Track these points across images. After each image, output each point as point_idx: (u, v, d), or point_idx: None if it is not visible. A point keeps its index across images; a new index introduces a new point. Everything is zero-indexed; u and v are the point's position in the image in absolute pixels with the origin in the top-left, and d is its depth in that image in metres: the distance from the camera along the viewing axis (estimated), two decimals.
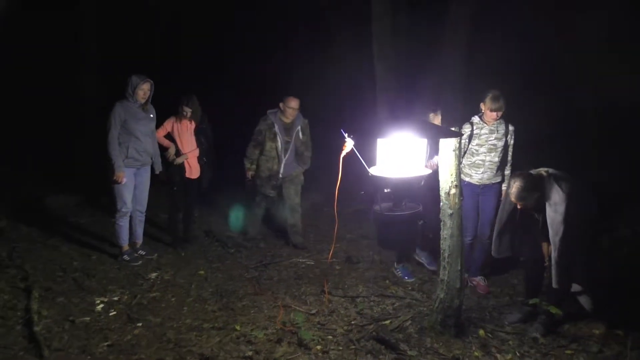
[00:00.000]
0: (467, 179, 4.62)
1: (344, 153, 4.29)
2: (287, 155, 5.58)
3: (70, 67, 8.55)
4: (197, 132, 5.46)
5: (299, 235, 5.82)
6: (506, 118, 4.57)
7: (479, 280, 4.77)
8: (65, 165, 7.90)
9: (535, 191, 3.66)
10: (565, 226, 3.61)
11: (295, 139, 5.59)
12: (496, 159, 4.55)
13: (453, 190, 3.62)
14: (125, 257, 5.17)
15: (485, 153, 4.53)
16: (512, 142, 4.60)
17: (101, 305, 4.27)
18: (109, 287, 4.64)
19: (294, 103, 5.44)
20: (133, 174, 5.04)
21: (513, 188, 3.70)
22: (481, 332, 3.84)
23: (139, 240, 5.34)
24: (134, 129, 4.92)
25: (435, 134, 3.36)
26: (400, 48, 6.67)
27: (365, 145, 3.13)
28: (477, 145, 4.52)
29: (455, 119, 3.62)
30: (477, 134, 4.51)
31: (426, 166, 3.25)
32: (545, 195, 3.67)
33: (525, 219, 3.88)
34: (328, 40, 8.56)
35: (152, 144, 5.12)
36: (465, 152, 4.57)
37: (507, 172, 4.65)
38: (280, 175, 5.62)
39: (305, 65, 8.63)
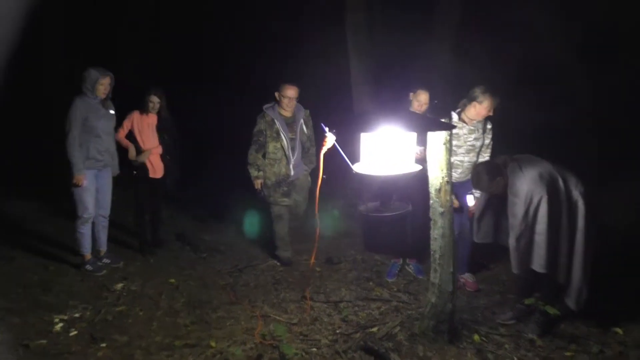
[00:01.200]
0: None
1: (324, 149, 4.00)
2: (295, 154, 4.85)
3: (29, 62, 8.00)
4: (160, 128, 5.04)
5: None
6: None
7: (466, 278, 4.54)
8: (26, 167, 7.36)
9: (496, 177, 3.58)
10: (524, 211, 3.46)
11: (300, 134, 4.88)
12: (474, 159, 4.29)
13: (444, 187, 3.35)
14: (88, 267, 4.76)
15: (463, 154, 4.26)
16: (487, 140, 4.31)
17: (60, 324, 3.87)
18: (70, 302, 4.23)
19: (291, 91, 4.72)
20: (94, 176, 4.65)
21: (475, 177, 3.66)
22: (475, 337, 3.59)
23: (103, 248, 4.94)
24: (95, 127, 4.53)
25: (424, 126, 3.07)
26: (379, 38, 6.43)
27: (348, 140, 2.85)
28: (455, 146, 4.19)
29: (446, 109, 3.33)
30: (455, 133, 4.17)
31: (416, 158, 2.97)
32: (508, 182, 3.57)
33: (506, 207, 3.69)
34: (305, 32, 8.24)
35: (112, 143, 4.73)
36: None
37: None
38: (291, 179, 4.89)
39: (283, 58, 8.31)
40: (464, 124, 4.19)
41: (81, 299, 4.28)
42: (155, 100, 4.94)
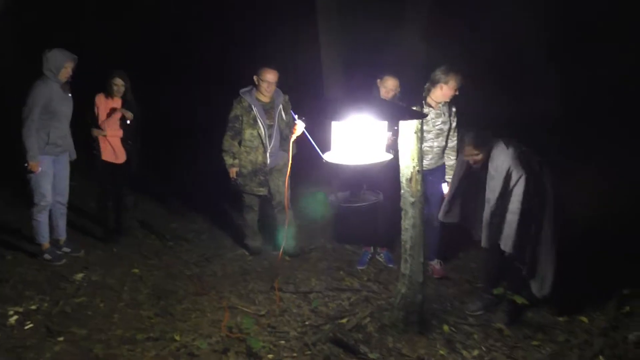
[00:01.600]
0: None
1: (294, 137, 3.90)
2: (272, 142, 4.56)
3: None
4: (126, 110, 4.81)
5: (294, 241, 4.88)
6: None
7: (434, 264, 4.52)
8: None
9: (486, 144, 3.57)
10: (502, 186, 3.47)
11: (279, 121, 4.58)
12: (443, 144, 4.28)
13: (415, 177, 3.29)
14: (47, 256, 4.55)
15: (432, 139, 4.22)
16: (454, 124, 4.29)
17: (15, 317, 3.68)
18: (26, 293, 4.03)
19: (270, 75, 4.43)
20: (52, 161, 4.42)
21: (467, 139, 3.60)
22: (445, 327, 3.58)
23: (62, 236, 4.73)
24: (58, 111, 4.31)
25: (395, 115, 2.99)
26: (349, 23, 6.31)
27: (320, 127, 2.76)
28: (425, 131, 4.13)
29: (417, 97, 3.26)
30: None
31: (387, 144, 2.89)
32: (491, 153, 3.57)
33: (479, 190, 3.68)
34: (275, 18, 8.07)
35: (68, 127, 4.51)
36: None
37: (450, 160, 4.36)
38: (267, 168, 4.63)
39: (253, 44, 8.12)
40: (431, 108, 4.15)
41: (38, 290, 4.08)
42: (119, 84, 4.72)
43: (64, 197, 4.62)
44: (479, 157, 3.60)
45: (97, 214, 5.23)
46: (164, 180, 6.78)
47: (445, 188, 4.27)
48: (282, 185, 4.68)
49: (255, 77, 4.50)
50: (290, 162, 3.36)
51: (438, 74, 4.01)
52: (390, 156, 2.93)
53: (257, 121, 4.50)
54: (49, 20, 8.14)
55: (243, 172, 4.60)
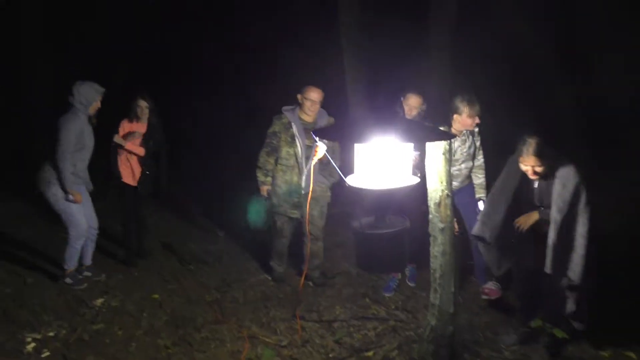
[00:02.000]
0: None
1: (315, 159, 3.74)
2: (308, 164, 4.28)
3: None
4: (146, 135, 4.74)
5: (319, 271, 4.69)
6: None
7: (489, 286, 4.23)
8: (7, 168, 7.10)
9: (550, 154, 3.21)
10: (570, 206, 3.18)
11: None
12: (471, 164, 4.20)
13: (444, 201, 3.09)
14: (68, 279, 4.49)
15: (461, 163, 4.15)
16: (478, 143, 4.20)
17: (33, 345, 3.61)
18: (45, 318, 3.97)
19: (314, 94, 4.24)
20: (82, 191, 4.42)
21: (532, 144, 3.17)
22: None
23: (87, 262, 4.65)
24: (87, 144, 4.32)
25: (422, 136, 2.81)
26: (373, 39, 6.21)
27: (343, 148, 2.61)
28: (453, 160, 4.01)
29: (445, 116, 3.08)
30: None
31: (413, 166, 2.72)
32: (556, 165, 3.23)
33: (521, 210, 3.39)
34: (297, 33, 8.04)
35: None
36: None
37: (479, 178, 4.23)
38: (302, 191, 4.35)
39: (274, 61, 8.10)
40: (456, 137, 4.04)
41: (57, 316, 4.02)
42: (144, 106, 4.67)
43: (95, 222, 4.58)
44: (541, 168, 3.23)
45: (120, 236, 5.17)
46: (186, 200, 6.73)
47: (482, 205, 4.12)
48: (317, 216, 4.46)
49: (299, 96, 4.32)
50: (311, 186, 3.21)
51: (455, 103, 3.89)
52: (417, 180, 2.75)
53: (295, 139, 4.30)
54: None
55: (277, 192, 4.39)
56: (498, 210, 3.43)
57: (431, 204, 3.15)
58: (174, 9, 9.04)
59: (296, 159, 4.32)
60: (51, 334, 3.76)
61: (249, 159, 4.68)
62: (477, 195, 4.23)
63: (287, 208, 4.41)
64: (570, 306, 3.34)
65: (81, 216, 4.37)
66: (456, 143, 4.06)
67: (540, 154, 3.18)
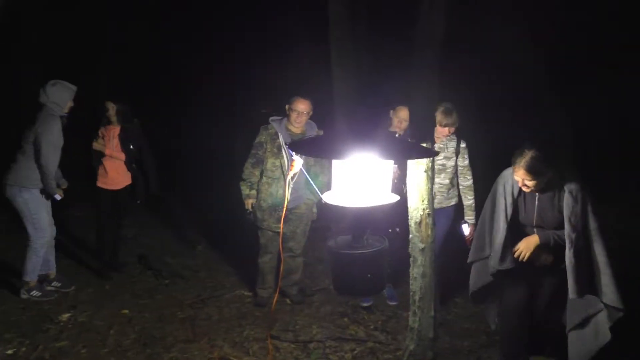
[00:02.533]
0: None
1: (291, 174, 3.61)
2: (294, 178, 3.99)
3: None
4: (123, 137, 4.58)
5: (298, 287, 4.51)
6: (458, 134, 4.06)
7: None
8: None
9: (552, 167, 2.89)
10: (585, 221, 2.90)
11: (307, 157, 3.97)
12: (446, 181, 4.02)
13: (425, 220, 2.97)
14: (35, 292, 4.29)
15: (437, 172, 3.92)
16: (466, 162, 4.06)
17: None
18: (5, 335, 3.77)
19: (302, 105, 4.06)
20: (48, 198, 4.27)
21: (526, 157, 2.84)
22: None
23: (53, 270, 4.47)
24: (60, 144, 4.17)
25: (402, 153, 2.69)
26: (361, 53, 6.14)
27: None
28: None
29: (429, 132, 2.96)
30: None
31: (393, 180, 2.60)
32: (562, 176, 2.92)
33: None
34: (285, 46, 7.97)
35: None
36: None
37: (470, 199, 4.11)
38: (288, 206, 4.05)
39: (260, 72, 8.01)
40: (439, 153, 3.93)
41: (19, 332, 3.82)
42: (111, 107, 4.53)
43: (54, 229, 4.41)
44: (532, 183, 2.92)
45: (93, 246, 4.98)
46: (165, 211, 6.56)
47: (466, 229, 4.02)
48: (300, 233, 4.30)
49: (287, 107, 4.15)
50: (286, 202, 3.07)
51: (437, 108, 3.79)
52: (397, 197, 2.62)
53: (281, 150, 4.12)
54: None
55: (262, 206, 4.17)
56: (497, 229, 3.07)
57: (412, 223, 3.02)
58: (170, 16, 8.96)
59: (282, 171, 4.12)
60: (10, 352, 3.56)
61: (236, 169, 4.52)
62: (466, 218, 4.10)
63: (271, 223, 4.18)
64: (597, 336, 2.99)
65: (47, 221, 4.24)
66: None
67: (531, 170, 2.86)
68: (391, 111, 4.15)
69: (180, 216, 6.58)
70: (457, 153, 4.02)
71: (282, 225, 2.87)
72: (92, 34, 8.86)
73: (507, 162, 3.03)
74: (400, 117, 4.08)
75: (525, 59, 6.23)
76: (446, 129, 3.88)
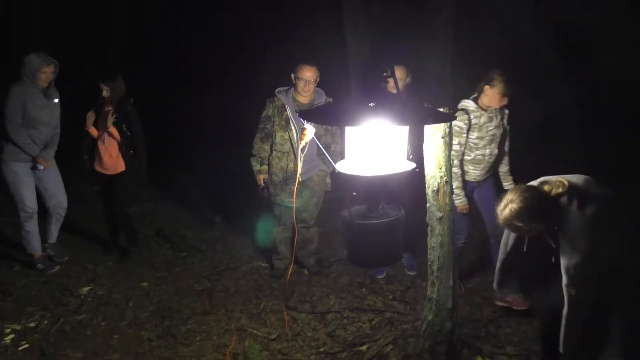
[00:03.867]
0: (466, 177, 3.84)
1: (302, 143, 3.51)
2: (305, 149, 3.93)
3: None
4: (117, 119, 4.30)
5: (314, 257, 4.48)
6: None
7: (513, 298, 3.67)
8: None
9: (540, 219, 2.41)
10: (588, 268, 2.39)
11: (317, 126, 3.99)
12: (496, 151, 3.81)
13: (443, 188, 2.86)
14: (39, 266, 4.38)
15: (486, 146, 3.75)
16: (508, 127, 3.89)
17: (11, 336, 3.47)
18: (27, 308, 3.83)
19: (308, 72, 3.87)
20: (30, 168, 4.22)
21: (506, 210, 2.40)
22: (478, 359, 3.14)
23: (51, 240, 4.52)
24: (34, 117, 4.09)
25: (419, 119, 2.58)
26: (375, 16, 5.94)
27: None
28: (477, 138, 3.70)
29: (444, 96, 2.83)
30: (475, 124, 3.67)
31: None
32: (556, 221, 2.43)
33: (536, 249, 2.66)
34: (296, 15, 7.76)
35: (53, 134, 4.30)
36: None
37: (505, 165, 3.95)
38: (299, 178, 4.02)
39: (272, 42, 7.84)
40: (482, 112, 3.69)
41: (40, 305, 3.88)
42: (104, 88, 4.27)
43: (61, 201, 4.40)
44: (534, 233, 2.51)
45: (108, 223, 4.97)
46: (181, 186, 6.55)
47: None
48: (313, 205, 4.22)
49: (292, 75, 3.97)
50: (298, 175, 2.99)
51: (491, 74, 3.59)
52: (413, 165, 2.52)
53: (289, 123, 3.97)
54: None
55: (274, 180, 4.08)
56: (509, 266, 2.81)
57: (429, 191, 2.92)
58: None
59: (291, 144, 4.00)
60: (32, 324, 3.61)
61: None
62: (505, 183, 3.94)
63: (284, 197, 4.10)
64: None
65: (28, 195, 4.20)
66: (482, 119, 3.69)
67: (516, 229, 2.46)
68: (383, 73, 3.97)
69: (196, 190, 6.56)
70: (503, 119, 3.82)
71: (294, 199, 2.79)
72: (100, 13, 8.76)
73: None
74: (397, 77, 3.92)
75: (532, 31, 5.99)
76: (505, 98, 3.64)
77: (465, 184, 3.81)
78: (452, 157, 3.59)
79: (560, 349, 2.51)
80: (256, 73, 7.37)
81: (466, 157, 3.78)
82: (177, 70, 8.72)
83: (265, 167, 4.09)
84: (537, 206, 2.36)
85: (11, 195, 4.22)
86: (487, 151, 3.76)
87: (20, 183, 4.17)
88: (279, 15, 8.15)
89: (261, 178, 4.10)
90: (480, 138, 3.71)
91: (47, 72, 4.05)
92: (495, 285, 3.04)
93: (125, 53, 8.75)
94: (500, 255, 2.87)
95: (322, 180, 4.22)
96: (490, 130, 3.73)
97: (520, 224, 2.40)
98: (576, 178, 2.49)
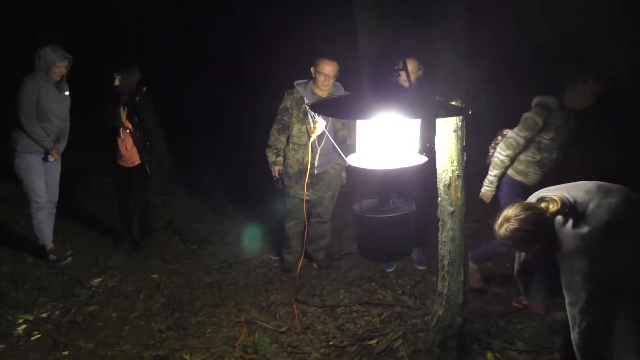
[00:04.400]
0: (519, 178, 3.64)
1: (314, 136, 3.51)
2: (322, 142, 3.97)
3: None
4: (129, 111, 4.29)
5: (325, 252, 4.47)
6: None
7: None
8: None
9: (537, 240, 2.31)
10: (591, 290, 2.23)
11: (334, 120, 4.01)
12: (561, 157, 3.59)
13: (455, 182, 2.84)
14: (52, 256, 4.42)
15: (556, 149, 3.53)
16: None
17: (24, 326, 3.50)
18: (40, 299, 3.86)
19: (328, 67, 3.86)
20: (42, 159, 4.26)
21: (502, 229, 2.30)
22: (489, 355, 3.12)
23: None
24: (46, 109, 4.11)
25: (431, 112, 2.55)
26: (387, 5, 5.90)
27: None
28: (550, 139, 3.48)
29: (457, 89, 2.79)
30: (551, 124, 3.44)
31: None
32: (553, 241, 2.30)
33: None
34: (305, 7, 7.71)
35: (64, 127, 4.32)
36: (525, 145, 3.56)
37: None
38: (315, 171, 4.04)
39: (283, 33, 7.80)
40: (564, 111, 3.43)
41: (52, 296, 3.91)
42: (117, 78, 4.25)
43: (54, 196, 4.43)
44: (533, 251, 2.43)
45: (120, 215, 4.99)
46: (193, 178, 6.56)
47: None
48: (328, 199, 4.18)
49: (312, 69, 3.94)
50: (309, 167, 2.98)
51: (583, 72, 3.36)
52: (425, 159, 2.50)
53: (307, 116, 3.94)
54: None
55: (289, 172, 4.05)
56: (529, 274, 2.62)
57: (440, 185, 2.89)
58: None
59: (309, 136, 3.94)
60: (44, 315, 3.65)
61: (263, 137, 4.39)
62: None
63: (298, 190, 4.05)
64: None
65: (39, 184, 4.24)
66: (561, 119, 3.43)
67: (516, 246, 2.35)
68: (395, 67, 3.93)
69: (207, 183, 6.57)
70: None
71: (305, 192, 2.78)
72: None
73: None
74: (409, 70, 3.88)
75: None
76: (592, 96, 3.37)
77: (514, 184, 3.62)
78: (509, 146, 3.53)
79: None
80: (268, 66, 7.36)
81: (529, 158, 3.58)
82: (186, 63, 8.73)
83: (280, 158, 4.06)
84: (532, 228, 2.26)
85: (23, 187, 4.25)
86: (554, 156, 3.54)
87: (33, 174, 4.21)
88: (291, 5, 8.11)
89: (276, 170, 4.08)
90: (553, 140, 3.49)
91: (61, 67, 4.08)
92: (522, 294, 2.81)
93: (139, 45, 8.75)
94: (516, 265, 2.67)
95: (337, 173, 4.19)
96: (565, 132, 3.49)
97: (515, 244, 2.32)
98: (576, 190, 2.33)
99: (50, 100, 4.11)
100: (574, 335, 2.33)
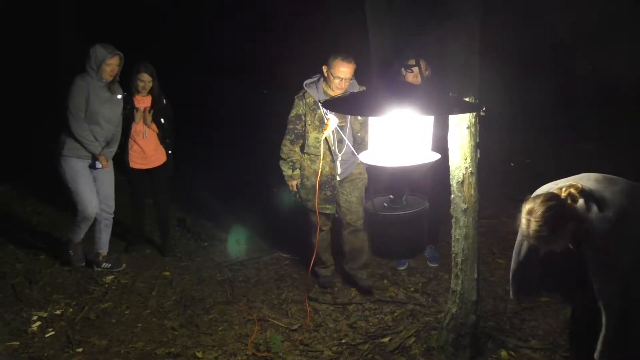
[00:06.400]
0: None
1: (326, 133, 3.48)
2: (344, 148, 3.60)
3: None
4: (155, 111, 4.29)
5: (366, 271, 3.94)
6: None
7: None
8: (22, 144, 7.09)
9: (564, 228, 2.16)
10: (619, 274, 2.19)
11: (352, 120, 3.61)
12: None
13: (468, 179, 2.81)
14: (105, 264, 4.26)
15: None
16: None
17: (38, 323, 3.53)
18: (53, 296, 3.90)
19: (345, 69, 3.43)
20: (88, 166, 4.07)
21: (532, 224, 2.14)
22: (503, 353, 3.09)
23: (103, 251, 4.28)
24: (96, 112, 3.94)
25: (444, 109, 2.52)
26: (398, 3, 5.85)
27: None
28: None
29: (471, 85, 2.76)
30: None
31: None
32: (580, 232, 2.19)
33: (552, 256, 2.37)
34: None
35: (115, 132, 4.14)
36: None
37: None
38: (338, 178, 3.70)
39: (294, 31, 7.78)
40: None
41: (65, 293, 3.94)
42: (146, 79, 4.21)
43: (110, 206, 4.24)
44: (560, 244, 2.25)
45: (132, 215, 4.93)
46: (204, 175, 6.57)
47: None
48: (356, 201, 3.75)
49: (324, 69, 3.51)
50: (322, 160, 2.95)
51: None
52: (437, 156, 2.48)
53: (324, 122, 3.54)
54: None
55: (306, 184, 3.70)
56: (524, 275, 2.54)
57: (453, 182, 2.87)
58: None
59: (328, 145, 3.58)
60: (58, 312, 3.67)
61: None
62: None
63: (319, 204, 3.66)
64: None
65: (87, 194, 4.02)
66: None
67: (546, 241, 2.20)
68: (401, 68, 3.83)
69: (218, 179, 6.58)
70: None
71: (317, 199, 2.73)
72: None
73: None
74: (414, 70, 3.81)
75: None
76: None
77: None
78: None
79: (596, 356, 2.30)
80: (285, 61, 7.33)
81: None
82: (192, 59, 8.75)
83: (297, 172, 3.71)
84: (557, 209, 2.14)
85: (70, 195, 4.04)
86: None
87: (80, 180, 3.99)
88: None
89: (294, 184, 3.74)
90: None
91: (112, 65, 3.90)
92: (512, 295, 2.68)
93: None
94: (513, 265, 2.57)
95: (361, 173, 3.77)
96: None
97: (549, 233, 2.15)
98: (585, 180, 2.28)
99: (101, 102, 3.94)
100: (604, 322, 2.22)
